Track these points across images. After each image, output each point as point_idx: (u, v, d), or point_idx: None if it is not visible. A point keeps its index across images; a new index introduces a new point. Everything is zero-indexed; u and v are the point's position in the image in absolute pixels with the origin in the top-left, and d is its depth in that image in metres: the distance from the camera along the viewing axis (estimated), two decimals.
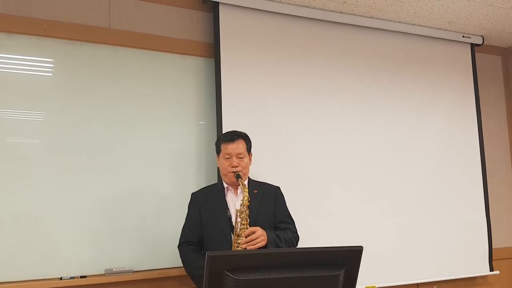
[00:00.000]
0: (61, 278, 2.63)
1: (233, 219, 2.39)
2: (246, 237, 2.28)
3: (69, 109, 2.78)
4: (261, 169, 2.87)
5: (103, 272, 2.74)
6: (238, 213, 2.35)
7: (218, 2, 3.15)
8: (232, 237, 2.36)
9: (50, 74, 2.80)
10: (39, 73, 2.76)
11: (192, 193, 2.60)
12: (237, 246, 2.30)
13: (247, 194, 2.36)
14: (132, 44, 2.98)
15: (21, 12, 2.73)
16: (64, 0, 2.85)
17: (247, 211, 2.34)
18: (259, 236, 2.28)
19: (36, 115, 2.72)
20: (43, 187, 2.67)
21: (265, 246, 2.29)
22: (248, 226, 2.33)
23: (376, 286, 3.36)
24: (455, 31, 3.99)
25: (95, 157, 2.81)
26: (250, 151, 2.58)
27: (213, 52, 3.15)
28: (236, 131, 2.59)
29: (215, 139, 2.77)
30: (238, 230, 2.33)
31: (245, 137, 2.56)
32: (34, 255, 2.61)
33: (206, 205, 2.51)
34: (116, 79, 2.92)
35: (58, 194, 2.70)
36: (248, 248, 2.24)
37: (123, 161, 2.88)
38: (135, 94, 2.96)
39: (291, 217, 2.58)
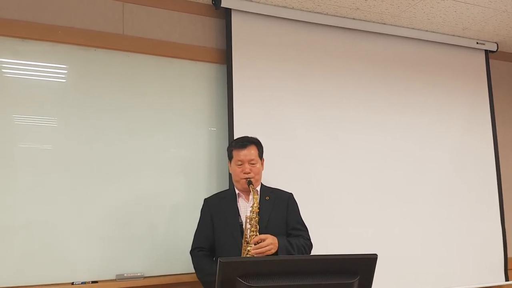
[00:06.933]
0: (72, 283, 2.64)
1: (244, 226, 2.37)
2: (255, 244, 2.26)
3: (82, 115, 2.80)
4: (273, 176, 2.85)
5: (114, 278, 2.74)
6: (248, 220, 2.33)
7: (230, 9, 3.16)
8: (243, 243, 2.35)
9: (64, 80, 2.82)
10: (52, 79, 2.78)
11: (205, 199, 2.60)
12: (246, 253, 2.27)
13: (257, 200, 2.34)
14: (145, 51, 2.99)
15: (36, 19, 2.76)
16: (78, 7, 2.87)
17: (256, 218, 2.32)
18: (269, 244, 2.25)
19: (49, 120, 2.74)
20: (55, 192, 2.68)
21: (276, 253, 2.26)
22: (257, 233, 2.30)
23: None
24: (469, 38, 3.95)
25: (107, 163, 2.82)
26: (262, 157, 2.56)
27: (225, 58, 3.16)
28: (248, 136, 2.58)
29: (227, 145, 2.77)
30: (248, 237, 2.31)
31: (257, 143, 2.55)
32: (46, 260, 2.62)
33: (218, 211, 2.50)
34: (129, 85, 2.94)
35: (70, 200, 2.71)
36: (256, 255, 2.22)
37: (134, 166, 2.88)
38: (148, 100, 2.97)
39: (304, 224, 2.54)
